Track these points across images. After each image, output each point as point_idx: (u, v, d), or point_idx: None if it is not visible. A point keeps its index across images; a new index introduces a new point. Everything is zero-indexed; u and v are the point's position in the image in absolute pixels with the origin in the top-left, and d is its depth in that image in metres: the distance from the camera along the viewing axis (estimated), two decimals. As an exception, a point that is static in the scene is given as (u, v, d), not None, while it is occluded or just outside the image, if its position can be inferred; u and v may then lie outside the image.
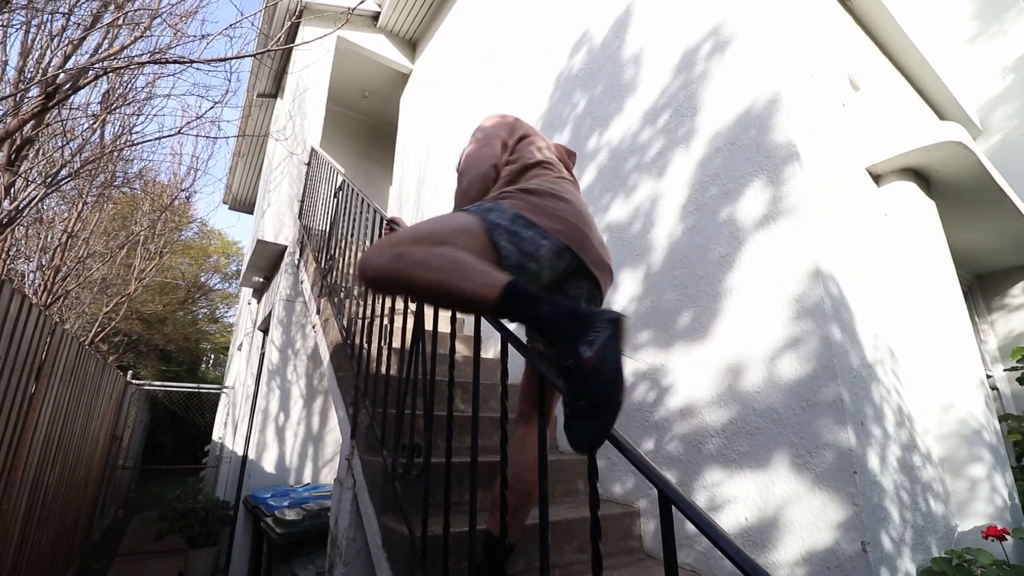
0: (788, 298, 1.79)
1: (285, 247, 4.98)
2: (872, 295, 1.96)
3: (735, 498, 1.80)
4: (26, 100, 2.90)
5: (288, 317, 4.65)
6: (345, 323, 2.49)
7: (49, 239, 5.71)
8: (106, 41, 3.26)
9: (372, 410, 1.95)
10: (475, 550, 1.21)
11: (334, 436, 4.70)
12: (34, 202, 3.63)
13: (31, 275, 5.85)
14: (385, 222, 1.91)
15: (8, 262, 4.93)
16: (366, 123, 7.62)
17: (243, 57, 2.84)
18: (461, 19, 5.07)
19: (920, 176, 2.38)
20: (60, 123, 3.74)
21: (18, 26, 3.11)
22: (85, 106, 4.08)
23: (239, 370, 6.88)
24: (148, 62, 2.78)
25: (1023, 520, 1.91)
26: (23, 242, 5.49)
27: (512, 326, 1.29)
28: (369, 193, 5.53)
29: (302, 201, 4.79)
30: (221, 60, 2.74)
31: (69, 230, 5.32)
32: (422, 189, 4.92)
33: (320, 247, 3.50)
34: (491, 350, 3.15)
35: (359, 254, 2.64)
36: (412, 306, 1.53)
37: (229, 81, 4.73)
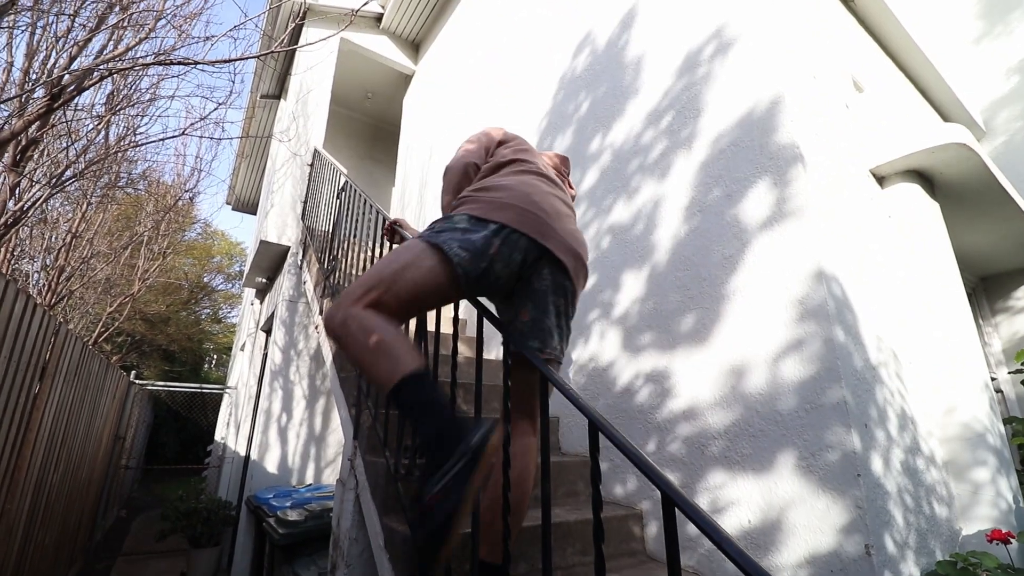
0: (791, 300, 1.78)
1: (288, 248, 4.99)
2: (876, 297, 1.95)
3: (738, 500, 1.79)
4: (31, 101, 2.91)
5: (291, 318, 4.66)
6: (348, 324, 2.48)
7: (53, 239, 5.73)
8: (111, 42, 3.27)
9: (374, 411, 1.95)
10: (476, 551, 1.21)
11: (336, 437, 4.71)
12: (39, 203, 3.65)
13: (35, 275, 5.88)
14: (387, 223, 1.92)
15: (13, 262, 4.96)
16: (369, 124, 7.64)
17: (247, 59, 2.85)
18: (464, 20, 5.08)
19: (924, 178, 2.37)
20: (65, 124, 3.75)
21: (24, 27, 3.12)
22: (90, 107, 4.10)
23: (242, 370, 6.89)
24: (153, 63, 2.79)
25: (1028, 524, 1.90)
26: (28, 242, 5.51)
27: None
28: (372, 194, 5.54)
29: (305, 202, 4.80)
30: (225, 61, 2.75)
31: (73, 230, 5.34)
32: (424, 190, 4.93)
33: (323, 248, 3.50)
34: (493, 351, 3.15)
35: (362, 255, 2.65)
36: None
37: (233, 82, 4.68)
